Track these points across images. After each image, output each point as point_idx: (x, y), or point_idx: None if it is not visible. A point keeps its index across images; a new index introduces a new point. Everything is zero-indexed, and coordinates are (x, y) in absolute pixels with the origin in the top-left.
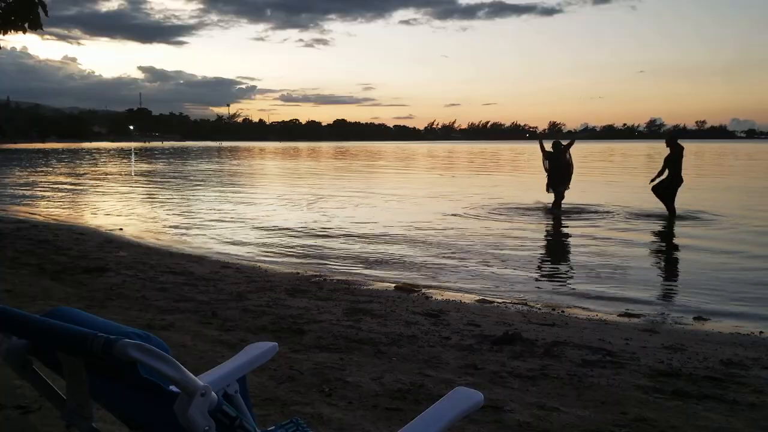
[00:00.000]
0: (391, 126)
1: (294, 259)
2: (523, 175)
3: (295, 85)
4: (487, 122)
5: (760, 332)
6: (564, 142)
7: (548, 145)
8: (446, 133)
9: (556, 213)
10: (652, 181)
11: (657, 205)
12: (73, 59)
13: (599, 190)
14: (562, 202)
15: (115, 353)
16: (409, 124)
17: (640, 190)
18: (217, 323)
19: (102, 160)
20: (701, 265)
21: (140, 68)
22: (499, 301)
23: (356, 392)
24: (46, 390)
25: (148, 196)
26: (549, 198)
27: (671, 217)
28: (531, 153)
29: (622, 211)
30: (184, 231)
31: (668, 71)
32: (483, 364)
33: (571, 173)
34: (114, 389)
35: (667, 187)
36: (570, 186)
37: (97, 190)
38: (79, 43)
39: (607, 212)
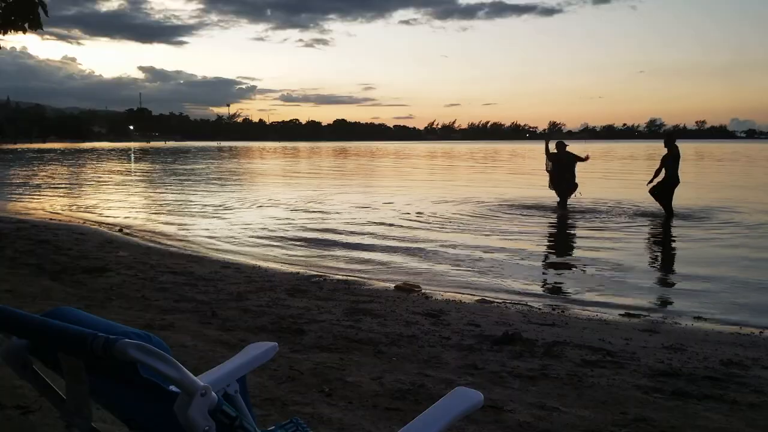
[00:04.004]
0: (391, 126)
1: (294, 259)
2: (522, 174)
3: (295, 85)
4: (487, 122)
5: (760, 332)
6: (566, 142)
7: (552, 146)
8: (446, 133)
9: (559, 213)
10: (650, 182)
11: (657, 205)
12: (73, 59)
13: (600, 190)
14: (567, 202)
15: (115, 353)
16: (409, 124)
17: (641, 190)
18: (217, 323)
19: (103, 160)
20: (701, 265)
21: (140, 68)
22: (499, 301)
23: (356, 392)
24: (46, 390)
25: (148, 196)
26: (550, 197)
27: (669, 216)
28: (531, 153)
29: (623, 210)
30: (184, 231)
31: (668, 71)
32: (483, 364)
33: (573, 174)
34: (114, 389)
35: (664, 188)
36: (577, 187)
37: (97, 190)
38: (79, 43)
39: (608, 211)
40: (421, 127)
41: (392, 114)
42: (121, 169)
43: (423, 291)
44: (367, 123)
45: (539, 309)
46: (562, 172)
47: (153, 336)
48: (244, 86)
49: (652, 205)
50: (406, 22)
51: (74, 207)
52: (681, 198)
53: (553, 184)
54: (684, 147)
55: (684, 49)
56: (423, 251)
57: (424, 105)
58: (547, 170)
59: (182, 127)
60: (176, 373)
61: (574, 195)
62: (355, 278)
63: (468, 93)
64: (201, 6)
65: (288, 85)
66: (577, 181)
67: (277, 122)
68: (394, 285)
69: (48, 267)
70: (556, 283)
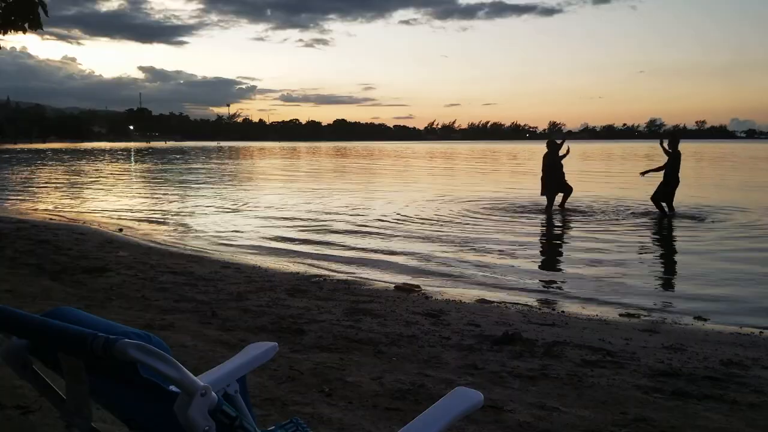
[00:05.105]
0: (391, 126)
1: (294, 259)
2: (522, 175)
3: (295, 85)
4: (487, 122)
5: (760, 332)
6: (558, 141)
7: (542, 144)
8: (446, 133)
9: (555, 213)
10: (644, 173)
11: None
12: (73, 59)
13: (600, 189)
14: (565, 202)
15: (115, 353)
16: (409, 124)
17: (640, 189)
18: (217, 323)
19: (103, 160)
20: (701, 265)
21: (140, 68)
22: (499, 301)
23: (356, 392)
24: (46, 390)
25: (149, 196)
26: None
27: (670, 215)
28: (531, 154)
29: (622, 210)
30: (184, 231)
31: (668, 71)
32: (483, 364)
33: (562, 173)
34: (114, 389)
35: (665, 189)
36: (568, 186)
37: (97, 190)
38: (79, 43)
39: (607, 211)
40: (421, 127)
41: (392, 114)
42: (121, 170)
43: (423, 291)
44: (367, 123)
45: (539, 309)
46: (549, 171)
47: (153, 336)
48: (244, 86)
49: (652, 204)
50: (406, 22)
51: (74, 207)
52: (681, 198)
53: (543, 185)
54: (684, 147)
55: (684, 49)
56: (423, 251)
57: (424, 105)
58: (543, 165)
59: (182, 127)
60: (176, 373)
61: (560, 196)
62: (355, 278)
63: (468, 93)
64: (201, 6)
65: (288, 85)
66: (568, 183)
67: (277, 122)
68: (394, 285)
69: (48, 267)
70: (556, 283)
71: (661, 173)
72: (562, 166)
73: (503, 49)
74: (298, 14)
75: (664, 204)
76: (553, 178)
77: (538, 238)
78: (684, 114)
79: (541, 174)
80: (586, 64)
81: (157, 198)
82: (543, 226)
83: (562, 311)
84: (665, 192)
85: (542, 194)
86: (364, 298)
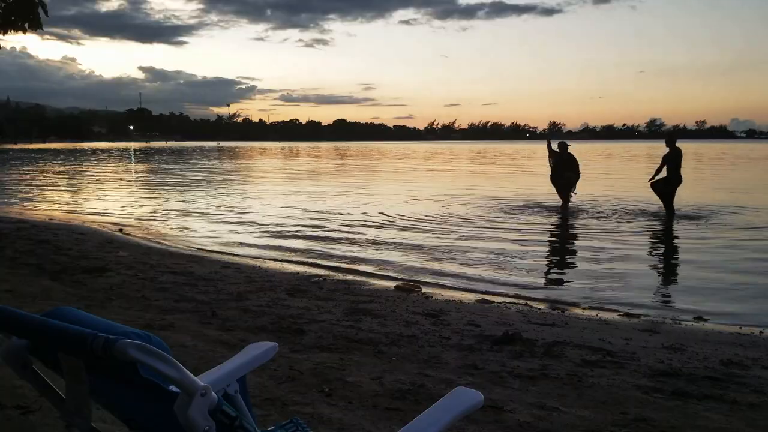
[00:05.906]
0: (391, 126)
1: (294, 259)
2: (522, 174)
3: (295, 85)
4: (487, 122)
5: (760, 332)
6: (568, 143)
7: (555, 145)
8: (446, 133)
9: (560, 212)
10: (652, 179)
11: (658, 204)
12: (73, 59)
13: (599, 189)
14: (570, 201)
15: (115, 353)
16: (409, 124)
17: (641, 189)
18: (217, 323)
19: (103, 161)
20: (701, 265)
21: (140, 68)
22: (499, 301)
23: (356, 392)
24: (46, 390)
25: (149, 196)
26: (548, 197)
27: (670, 216)
28: (532, 153)
29: (623, 210)
30: (184, 230)
31: (668, 71)
32: (483, 364)
33: (575, 172)
34: (114, 389)
35: (666, 187)
36: (576, 187)
37: (96, 190)
38: (79, 43)
39: (608, 211)
40: (421, 127)
41: (392, 114)
42: (121, 170)
43: (423, 291)
44: (367, 123)
45: (539, 309)
46: (562, 170)
47: (153, 336)
48: (244, 86)
49: (653, 204)
50: (406, 22)
51: (74, 207)
52: (683, 198)
53: (554, 180)
54: (684, 147)
55: (684, 49)
56: (423, 251)
57: (424, 105)
58: (550, 165)
59: (182, 127)
60: (176, 373)
61: (573, 192)
62: (355, 278)
63: (468, 93)
64: (201, 6)
65: (288, 85)
66: (579, 179)
67: (277, 122)
68: (394, 285)
69: (48, 267)
70: (556, 283)
71: (663, 172)
72: (573, 165)
73: (503, 49)
74: (298, 14)
75: (665, 201)
76: (565, 176)
77: (539, 238)
78: (684, 114)
79: (551, 168)
80: (586, 64)
81: (156, 198)
82: (543, 226)
83: (562, 311)
84: (666, 190)
85: (552, 183)
86: (364, 298)
